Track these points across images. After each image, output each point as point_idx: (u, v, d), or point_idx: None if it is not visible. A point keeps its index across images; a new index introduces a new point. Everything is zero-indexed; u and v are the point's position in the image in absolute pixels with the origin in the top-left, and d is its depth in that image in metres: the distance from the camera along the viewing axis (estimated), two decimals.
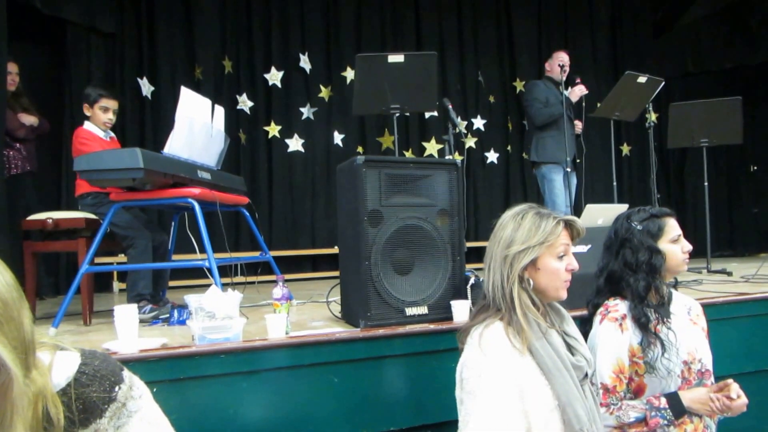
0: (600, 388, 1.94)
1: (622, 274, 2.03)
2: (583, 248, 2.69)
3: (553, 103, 5.15)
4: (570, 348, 1.71)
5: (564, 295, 1.72)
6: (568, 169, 4.97)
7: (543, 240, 1.66)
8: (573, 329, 1.78)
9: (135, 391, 1.14)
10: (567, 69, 5.17)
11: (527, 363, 1.60)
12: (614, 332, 1.97)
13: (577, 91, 5.06)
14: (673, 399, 1.90)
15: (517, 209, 1.75)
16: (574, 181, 5.19)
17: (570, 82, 5.12)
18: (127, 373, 1.15)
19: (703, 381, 2.01)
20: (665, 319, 1.98)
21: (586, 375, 1.70)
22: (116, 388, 1.10)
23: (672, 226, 2.07)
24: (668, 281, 2.10)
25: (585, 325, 2.10)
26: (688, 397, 1.91)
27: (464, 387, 1.62)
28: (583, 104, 5.19)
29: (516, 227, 1.69)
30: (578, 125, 5.23)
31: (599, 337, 1.99)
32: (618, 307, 2.01)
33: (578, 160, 5.14)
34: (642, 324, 1.95)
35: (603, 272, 2.11)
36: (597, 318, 2.04)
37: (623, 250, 2.05)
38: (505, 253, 1.68)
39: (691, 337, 2.04)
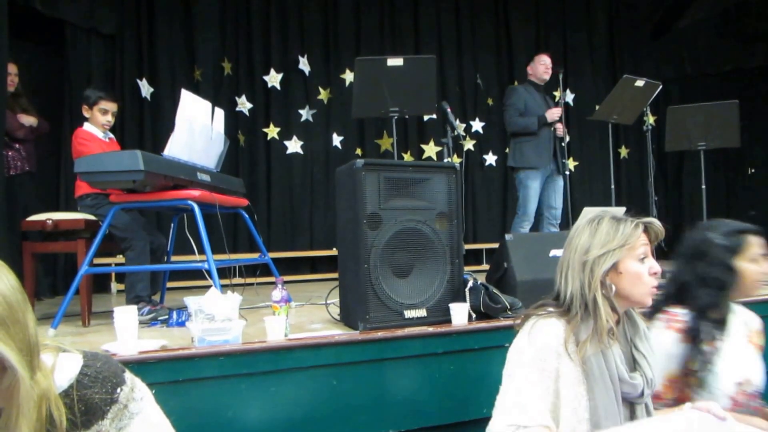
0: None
1: (691, 285, 1.98)
2: None
3: (531, 107, 5.13)
4: (635, 362, 1.68)
5: (649, 301, 1.66)
6: (565, 172, 4.97)
7: (623, 242, 1.61)
8: (645, 345, 1.72)
9: (137, 392, 1.15)
10: (550, 72, 5.20)
11: (573, 367, 1.58)
12: (674, 342, 1.93)
13: (556, 114, 5.03)
14: None
15: (591, 216, 1.71)
16: (560, 184, 5.17)
17: (555, 84, 5.11)
18: (129, 375, 1.16)
19: (751, 403, 1.95)
20: (722, 337, 1.93)
21: (642, 394, 1.64)
22: (118, 390, 1.11)
23: (753, 244, 1.99)
24: (736, 299, 2.04)
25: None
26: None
27: (507, 368, 1.64)
28: (562, 105, 5.18)
29: (593, 233, 1.66)
30: (559, 128, 5.15)
31: (658, 343, 1.91)
32: (682, 317, 1.96)
33: (565, 162, 5.13)
34: (695, 338, 1.91)
35: (674, 280, 2.06)
36: (659, 324, 1.99)
37: (697, 262, 1.99)
38: (584, 259, 1.63)
39: (746, 357, 1.99)
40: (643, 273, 1.63)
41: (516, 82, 7.44)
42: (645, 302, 1.68)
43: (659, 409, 1.90)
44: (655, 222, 1.67)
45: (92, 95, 3.61)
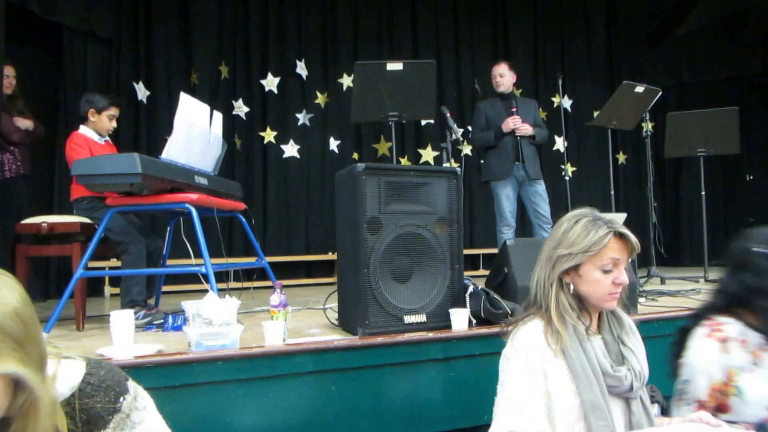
0: (695, 402, 1.89)
1: (741, 296, 1.92)
2: None
3: (494, 120, 5.11)
4: (623, 358, 1.69)
5: (610, 306, 1.68)
6: (565, 177, 4.94)
7: (587, 249, 1.62)
8: (632, 340, 1.74)
9: (140, 401, 1.14)
10: (501, 79, 5.18)
11: (559, 365, 1.60)
12: (718, 351, 1.89)
13: (510, 124, 4.99)
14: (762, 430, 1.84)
15: (578, 212, 1.72)
16: (537, 189, 5.09)
17: (554, 89, 5.05)
18: (132, 384, 1.14)
19: None
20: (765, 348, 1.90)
21: (632, 388, 1.65)
22: (121, 399, 1.10)
23: None
24: None
25: (684, 333, 2.00)
26: None
27: (499, 379, 1.66)
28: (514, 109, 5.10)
29: (568, 229, 1.67)
30: (525, 129, 5.03)
31: (702, 352, 1.91)
32: (727, 327, 1.92)
33: (564, 167, 5.03)
34: (745, 347, 1.87)
35: (722, 292, 2.00)
36: (702, 331, 1.95)
37: (743, 273, 1.94)
38: (551, 254, 1.68)
39: None
40: (601, 280, 1.63)
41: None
42: (604, 307, 1.69)
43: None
44: (630, 236, 1.65)
45: (101, 100, 3.59)
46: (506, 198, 5.09)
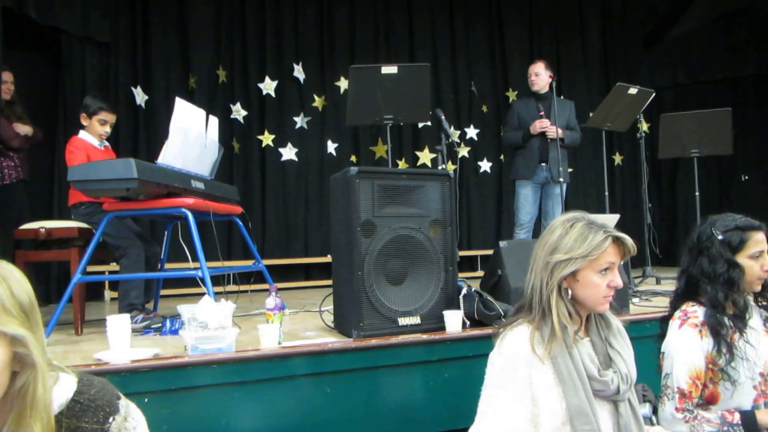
0: (676, 393, 1.94)
1: (699, 281, 2.01)
2: None
3: (525, 120, 5.15)
4: (610, 360, 1.70)
5: (603, 309, 1.69)
6: (560, 180, 4.96)
7: (587, 253, 1.62)
8: (620, 342, 1.75)
9: (130, 422, 1.13)
10: (536, 78, 5.17)
11: (545, 371, 1.60)
12: (693, 338, 1.96)
13: (537, 126, 5.00)
14: (748, 417, 1.89)
15: (570, 216, 1.72)
16: (556, 191, 5.09)
17: (550, 92, 5.03)
18: (123, 402, 1.13)
19: None
20: (742, 331, 1.96)
21: (619, 391, 1.66)
22: (110, 419, 1.09)
23: (755, 242, 1.99)
24: (747, 293, 2.05)
25: (665, 323, 2.09)
26: (762, 417, 1.89)
27: (484, 383, 1.68)
28: (554, 112, 5.01)
29: (563, 234, 1.67)
30: (551, 131, 4.97)
31: (678, 341, 1.98)
32: (697, 313, 2.00)
33: (561, 169, 5.03)
34: (717, 332, 1.93)
35: (683, 275, 2.09)
36: (675, 322, 2.03)
37: (701, 258, 2.03)
38: (548, 260, 1.66)
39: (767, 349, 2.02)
40: (599, 284, 1.64)
41: (510, 90, 7.48)
42: (598, 310, 1.69)
43: (690, 411, 1.92)
44: (627, 239, 1.66)
45: (93, 105, 3.61)
46: (524, 198, 5.17)
